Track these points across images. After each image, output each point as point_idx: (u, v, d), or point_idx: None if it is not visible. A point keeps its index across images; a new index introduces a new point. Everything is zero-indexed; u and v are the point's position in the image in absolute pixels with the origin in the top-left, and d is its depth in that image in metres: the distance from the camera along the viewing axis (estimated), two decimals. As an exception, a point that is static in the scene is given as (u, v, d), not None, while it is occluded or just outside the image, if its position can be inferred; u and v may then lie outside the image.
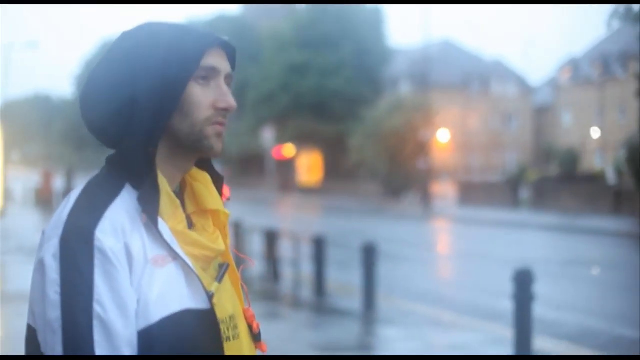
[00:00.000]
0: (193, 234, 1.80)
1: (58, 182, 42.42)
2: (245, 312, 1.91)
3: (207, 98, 1.79)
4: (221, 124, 1.82)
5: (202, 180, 1.89)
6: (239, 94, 66.03)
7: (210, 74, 1.80)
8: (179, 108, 1.76)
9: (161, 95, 1.73)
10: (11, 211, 33.48)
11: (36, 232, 24.76)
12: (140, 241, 1.70)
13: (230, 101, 1.82)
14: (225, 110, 1.82)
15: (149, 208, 1.71)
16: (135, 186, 1.74)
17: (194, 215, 1.86)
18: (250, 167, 67.16)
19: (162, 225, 1.73)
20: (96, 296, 1.62)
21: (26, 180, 56.54)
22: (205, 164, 1.93)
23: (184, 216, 1.81)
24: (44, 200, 39.10)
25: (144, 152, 1.73)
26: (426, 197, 39.90)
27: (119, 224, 1.68)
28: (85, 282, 1.63)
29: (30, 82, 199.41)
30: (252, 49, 69.94)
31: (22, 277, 14.48)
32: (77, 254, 1.64)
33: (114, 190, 1.74)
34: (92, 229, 1.66)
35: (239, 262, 2.02)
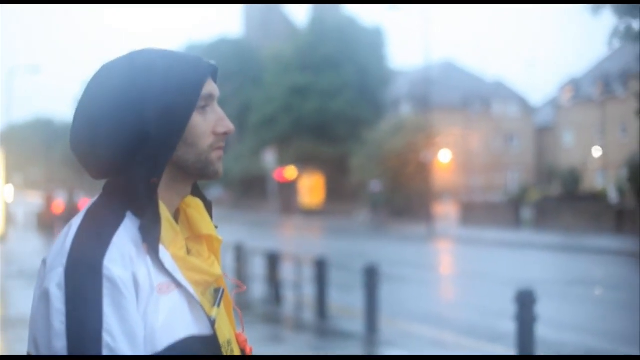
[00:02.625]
0: (194, 260, 1.81)
1: (60, 206, 42.42)
2: (237, 336, 1.92)
3: (207, 125, 1.81)
4: (222, 148, 1.85)
5: (195, 206, 1.89)
6: (240, 116, 66.21)
7: (208, 102, 1.82)
8: (183, 138, 1.77)
9: (167, 127, 1.74)
10: (13, 235, 33.47)
11: (38, 257, 24.74)
12: (145, 269, 1.69)
13: (229, 125, 1.84)
14: (225, 134, 1.84)
15: (150, 237, 1.71)
16: (137, 214, 1.73)
17: (189, 240, 1.86)
18: (252, 189, 67.14)
19: (164, 252, 1.73)
20: (105, 325, 1.61)
21: (28, 203, 56.59)
22: (194, 189, 1.93)
23: (184, 242, 1.82)
24: (46, 223, 39.10)
25: (147, 182, 1.73)
26: (428, 218, 39.88)
27: (126, 252, 1.68)
28: (93, 311, 1.61)
29: (32, 106, 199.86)
30: (254, 72, 70.17)
31: (23, 302, 14.47)
32: (84, 283, 1.63)
33: (116, 218, 1.73)
34: (100, 258, 1.65)
35: (230, 285, 2.02)
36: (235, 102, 67.91)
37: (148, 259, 1.71)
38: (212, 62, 1.86)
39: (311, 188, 62.09)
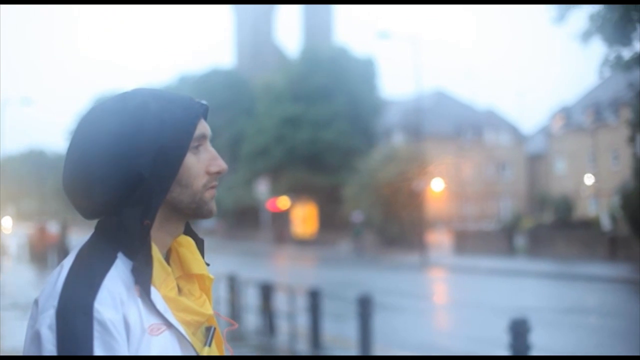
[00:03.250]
0: (185, 300, 1.82)
1: (52, 238, 42.27)
2: None
3: (201, 165, 1.82)
4: (215, 187, 1.86)
5: (187, 245, 1.90)
6: (233, 146, 66.27)
7: (201, 142, 1.84)
8: (177, 179, 1.78)
9: (161, 168, 1.75)
10: (5, 267, 33.34)
11: (31, 288, 24.68)
12: (136, 310, 1.70)
13: (222, 164, 1.86)
14: (218, 173, 1.85)
15: (142, 280, 1.71)
16: (129, 256, 1.74)
17: (180, 279, 1.87)
18: (245, 219, 67.03)
19: (155, 293, 1.74)
20: None
21: (21, 234, 56.41)
22: (185, 227, 1.94)
23: (175, 283, 1.83)
24: (39, 255, 38.96)
25: (140, 224, 1.74)
26: (422, 247, 39.85)
27: (117, 295, 1.68)
28: (84, 353, 1.62)
29: (25, 138, 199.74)
30: (246, 102, 70.25)
31: (16, 334, 14.41)
32: (75, 326, 1.63)
33: (108, 259, 1.73)
34: (91, 301, 1.65)
35: (220, 321, 2.03)
36: (228, 132, 67.95)
37: (139, 301, 1.71)
38: (203, 101, 1.88)
39: (304, 218, 62.05)
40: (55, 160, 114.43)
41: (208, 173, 1.84)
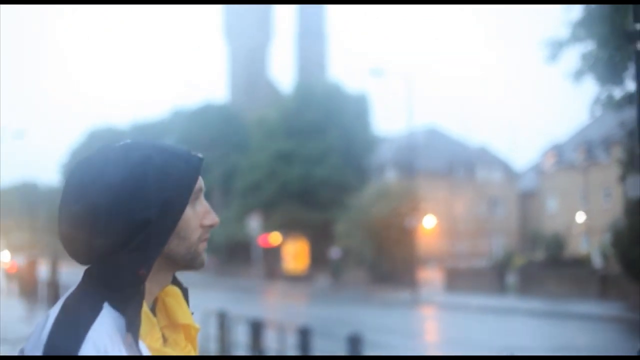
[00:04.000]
0: (169, 351, 1.83)
1: (43, 271, 42.08)
2: None
3: (197, 218, 1.85)
4: (207, 239, 1.89)
5: (173, 294, 1.91)
6: (226, 181, 66.31)
7: (197, 195, 1.86)
8: (176, 231, 1.80)
9: (163, 220, 1.76)
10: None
11: (20, 323, 24.54)
12: None
13: (215, 218, 1.89)
14: (211, 226, 1.88)
15: (134, 329, 1.72)
16: (116, 306, 1.74)
17: (166, 329, 1.88)
18: (237, 254, 66.85)
19: (140, 344, 1.74)
20: None
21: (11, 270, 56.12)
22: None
23: (160, 333, 1.83)
24: (29, 289, 38.70)
25: (135, 273, 1.74)
26: (413, 284, 39.80)
27: (101, 346, 1.68)
28: None
29: (18, 170, 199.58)
30: (239, 137, 70.44)
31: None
32: None
33: (93, 309, 1.73)
34: (75, 352, 1.66)
35: None
36: (221, 167, 68.04)
37: (123, 351, 1.71)
38: (200, 155, 1.90)
39: (295, 254, 61.91)
40: (48, 193, 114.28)
41: (202, 226, 1.86)
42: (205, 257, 1.89)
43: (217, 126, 72.51)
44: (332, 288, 46.19)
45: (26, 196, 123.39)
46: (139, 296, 1.75)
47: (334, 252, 48.40)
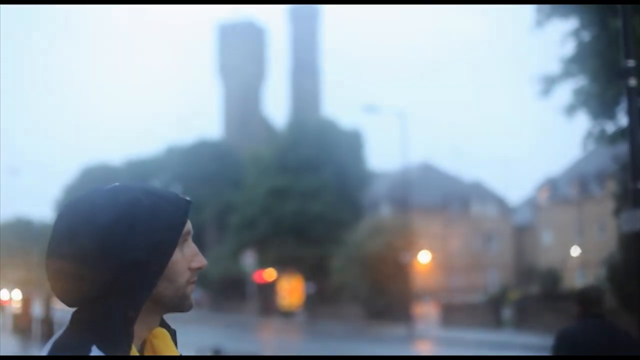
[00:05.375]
0: None
1: (37, 308, 41.87)
2: None
3: (185, 261, 1.86)
4: (195, 282, 1.90)
5: (161, 337, 1.91)
6: (220, 218, 66.22)
7: (185, 238, 1.87)
8: (164, 274, 1.81)
9: (152, 263, 1.77)
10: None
11: (13, 361, 24.39)
12: None
13: (203, 260, 1.89)
14: (199, 269, 1.89)
15: None
16: (105, 349, 1.73)
17: None
18: (231, 291, 66.61)
19: None
20: None
21: (4, 305, 55.88)
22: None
23: None
24: (23, 326, 38.48)
25: (124, 316, 1.75)
26: (408, 319, 39.68)
27: None
28: None
29: (12, 207, 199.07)
30: (233, 174, 70.47)
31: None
32: None
33: (82, 352, 1.73)
34: None
35: None
36: (215, 203, 67.99)
37: None
38: (188, 198, 1.91)
39: (290, 290, 61.72)
40: (42, 229, 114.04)
41: (190, 269, 1.87)
42: (192, 300, 1.89)
43: (211, 162, 72.58)
44: (308, 322, 46.14)
45: (20, 233, 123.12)
46: (128, 339, 1.74)
47: (308, 287, 48.82)
